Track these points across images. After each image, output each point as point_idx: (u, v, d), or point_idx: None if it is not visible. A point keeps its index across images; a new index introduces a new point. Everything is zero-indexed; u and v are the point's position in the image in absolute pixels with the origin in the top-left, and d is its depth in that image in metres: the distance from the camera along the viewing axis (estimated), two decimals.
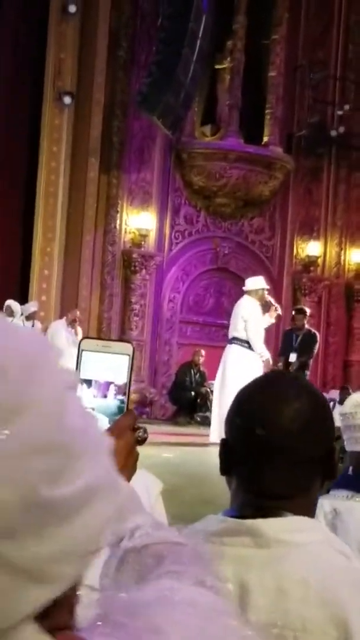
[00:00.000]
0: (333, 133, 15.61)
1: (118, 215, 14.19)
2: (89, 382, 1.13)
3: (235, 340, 9.19)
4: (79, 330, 11.83)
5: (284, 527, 1.20)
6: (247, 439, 1.25)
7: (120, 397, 1.13)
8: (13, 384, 0.56)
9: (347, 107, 15.67)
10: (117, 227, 14.22)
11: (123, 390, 1.13)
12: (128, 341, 1.27)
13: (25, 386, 0.56)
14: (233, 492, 1.28)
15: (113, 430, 1.06)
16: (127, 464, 1.08)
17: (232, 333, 9.29)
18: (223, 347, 9.82)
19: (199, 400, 12.97)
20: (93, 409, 1.09)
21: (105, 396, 1.13)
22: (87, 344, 1.13)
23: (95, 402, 1.12)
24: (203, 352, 13.37)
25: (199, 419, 12.43)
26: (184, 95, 12.62)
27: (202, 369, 13.19)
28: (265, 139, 15.18)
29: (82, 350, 1.12)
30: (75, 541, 0.58)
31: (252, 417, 1.25)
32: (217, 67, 15.12)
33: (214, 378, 9.94)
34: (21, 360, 0.58)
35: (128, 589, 0.82)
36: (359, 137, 15.74)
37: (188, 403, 12.71)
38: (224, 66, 15.05)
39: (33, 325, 11.81)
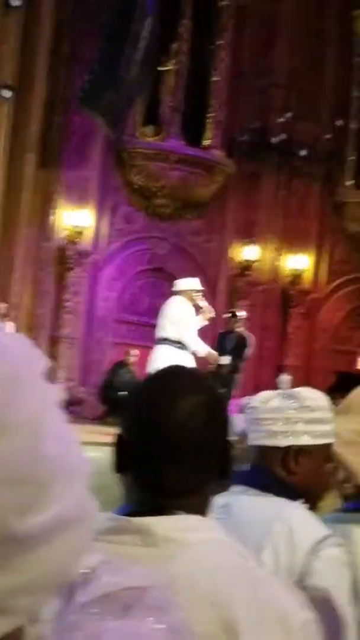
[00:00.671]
0: (274, 140, 15.76)
1: (54, 211, 14.07)
2: None
3: (164, 340, 9.16)
4: (10, 325, 11.68)
5: (174, 525, 1.18)
6: (143, 435, 1.23)
7: None
8: None
9: (289, 115, 15.83)
10: (53, 223, 14.10)
11: None
12: (9, 320, 1.22)
13: (1, 410, 0.53)
14: (126, 490, 1.26)
15: None
16: None
17: (160, 333, 9.26)
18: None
19: None
20: None
21: None
22: None
23: None
24: (135, 352, 13.33)
25: None
26: (126, 94, 12.61)
27: (132, 369, 13.16)
28: (206, 142, 15.25)
29: None
30: (41, 573, 0.55)
31: (149, 413, 1.23)
32: (161, 68, 15.13)
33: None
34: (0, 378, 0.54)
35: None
36: (299, 145, 15.90)
37: (118, 403, 12.63)
38: (168, 68, 15.07)
39: None
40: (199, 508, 1.22)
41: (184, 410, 1.21)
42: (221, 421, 1.26)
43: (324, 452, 1.93)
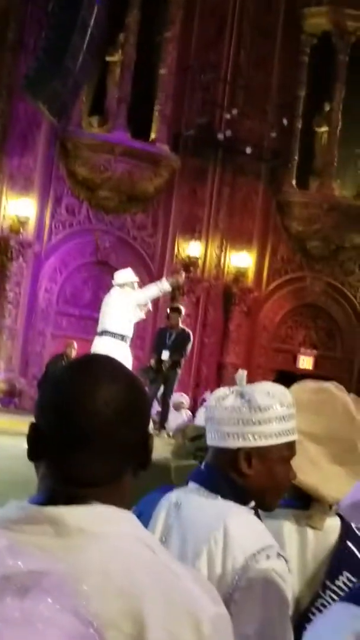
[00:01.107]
0: (220, 136, 15.79)
1: None
2: None
3: (105, 333, 9.12)
4: None
5: (87, 516, 1.14)
6: (57, 422, 1.18)
7: None
8: None
9: (235, 111, 15.88)
10: None
11: None
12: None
13: None
14: (40, 479, 1.21)
15: None
16: None
17: (102, 326, 9.22)
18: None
19: None
20: None
21: None
22: None
23: None
24: (75, 344, 13.22)
25: None
26: (72, 83, 12.47)
27: None
28: (152, 135, 15.21)
29: None
30: None
31: (65, 400, 1.18)
32: (108, 59, 15.03)
33: None
34: None
35: None
36: (244, 142, 15.95)
37: None
38: (115, 59, 15.00)
39: None
40: (115, 499, 1.18)
41: (100, 398, 1.17)
42: (138, 411, 1.21)
43: (280, 451, 1.88)
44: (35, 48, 13.04)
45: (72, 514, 1.13)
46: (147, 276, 15.01)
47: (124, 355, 9.10)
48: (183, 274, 9.85)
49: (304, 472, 2.04)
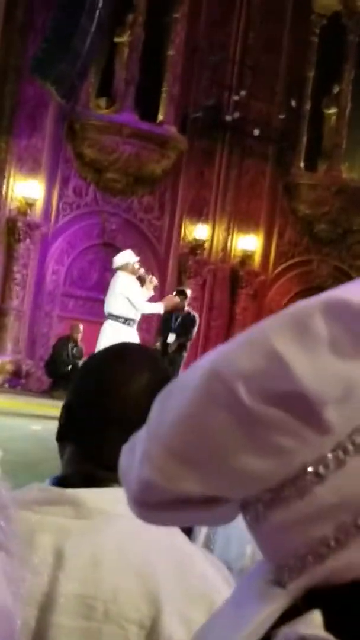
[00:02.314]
0: (228, 118, 15.73)
1: (5, 181, 13.86)
2: None
3: (110, 316, 9.15)
4: None
5: (107, 497, 1.18)
6: (92, 404, 1.23)
7: None
8: None
9: (243, 92, 15.80)
10: (3, 193, 13.89)
11: None
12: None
13: None
14: (66, 461, 1.25)
15: None
16: None
17: (107, 309, 9.25)
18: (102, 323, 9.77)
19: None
20: None
21: None
22: None
23: None
24: (81, 326, 13.26)
25: None
26: (80, 64, 12.41)
27: (79, 343, 13.09)
28: (160, 117, 15.15)
29: None
30: None
31: (101, 384, 1.23)
32: (116, 40, 14.96)
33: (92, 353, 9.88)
34: None
35: None
36: (253, 124, 15.88)
37: (64, 377, 12.58)
38: (123, 40, 14.91)
39: None
40: None
41: (134, 384, 1.22)
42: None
43: None
44: (43, 29, 12.97)
45: (92, 496, 1.17)
46: (154, 259, 15.04)
47: (130, 339, 9.13)
48: (176, 299, 9.77)
49: None
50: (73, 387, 1.30)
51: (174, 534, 1.21)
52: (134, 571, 1.12)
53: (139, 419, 1.16)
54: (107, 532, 1.15)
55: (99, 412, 1.22)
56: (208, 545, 1.87)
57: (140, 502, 0.77)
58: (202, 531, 1.89)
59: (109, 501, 1.18)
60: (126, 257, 9.49)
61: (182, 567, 1.16)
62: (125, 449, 0.74)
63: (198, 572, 1.16)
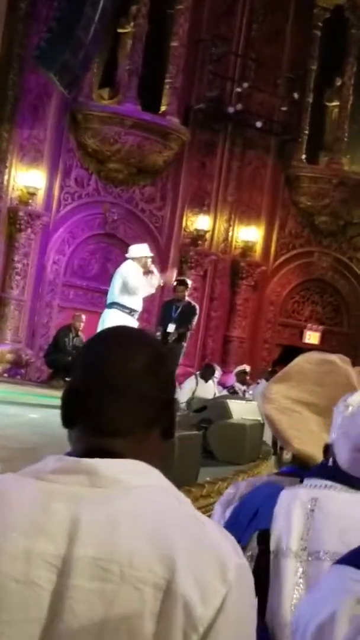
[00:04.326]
0: (230, 109, 15.76)
1: (7, 170, 13.89)
2: None
3: (114, 304, 9.17)
4: None
5: (121, 467, 1.23)
6: (91, 378, 1.29)
7: None
8: None
9: (246, 85, 15.83)
10: (5, 182, 13.92)
11: None
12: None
13: None
14: (74, 441, 1.30)
15: None
16: None
17: (110, 297, 9.27)
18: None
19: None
20: None
21: None
22: None
23: None
24: (83, 316, 13.30)
25: None
26: (84, 55, 12.42)
27: (80, 333, 13.13)
28: (162, 108, 15.16)
29: None
30: None
31: (98, 358, 1.29)
32: (119, 30, 14.96)
33: None
34: None
35: None
36: (255, 116, 15.91)
37: (64, 367, 12.61)
38: (126, 31, 14.92)
39: None
40: (144, 456, 1.27)
41: (129, 356, 1.28)
42: (163, 373, 1.31)
43: None
44: (47, 19, 12.98)
45: (106, 466, 1.22)
46: (155, 249, 15.06)
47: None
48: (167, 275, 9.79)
49: (303, 442, 2.11)
50: (74, 368, 1.34)
51: (183, 502, 1.26)
52: (149, 535, 1.17)
53: (134, 385, 1.26)
54: (122, 499, 1.20)
55: (98, 382, 1.27)
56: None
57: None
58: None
59: (124, 471, 1.23)
60: (142, 250, 9.51)
61: (195, 533, 1.20)
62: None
63: (209, 537, 1.21)
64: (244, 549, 1.78)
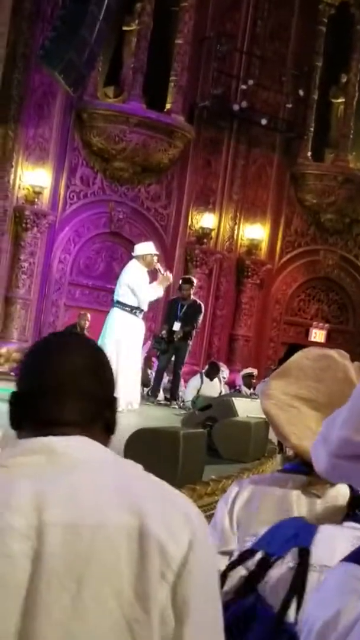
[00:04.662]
0: (235, 107, 15.74)
1: (12, 169, 13.91)
2: None
3: (118, 304, 9.18)
4: None
5: (73, 443, 1.31)
6: (34, 379, 1.38)
7: None
8: None
9: (251, 82, 15.82)
10: (11, 181, 13.94)
11: None
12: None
13: None
14: (25, 433, 1.37)
15: None
16: None
17: (115, 296, 9.29)
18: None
19: None
20: None
21: None
22: None
23: None
24: (89, 315, 13.32)
25: None
26: (88, 53, 12.41)
27: (86, 332, 13.15)
28: (167, 106, 15.16)
29: None
30: None
31: (41, 362, 1.39)
32: (124, 28, 14.96)
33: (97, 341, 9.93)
34: None
35: None
36: (260, 113, 15.90)
37: None
38: (131, 28, 14.92)
39: None
40: None
41: (67, 356, 1.38)
42: (101, 371, 1.42)
43: None
44: (52, 18, 13.00)
45: (60, 442, 1.31)
46: (161, 248, 15.08)
47: (137, 327, 9.18)
48: (169, 276, 9.71)
49: (300, 438, 2.11)
50: (18, 373, 1.44)
51: (139, 468, 1.35)
52: (113, 494, 1.25)
53: (74, 382, 1.36)
54: (83, 471, 1.27)
55: (41, 382, 1.36)
56: None
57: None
58: None
59: (75, 446, 1.31)
60: (147, 248, 9.50)
61: (156, 489, 1.30)
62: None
63: (169, 491, 1.31)
64: (280, 559, 1.89)
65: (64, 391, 1.35)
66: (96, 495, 1.24)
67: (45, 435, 1.32)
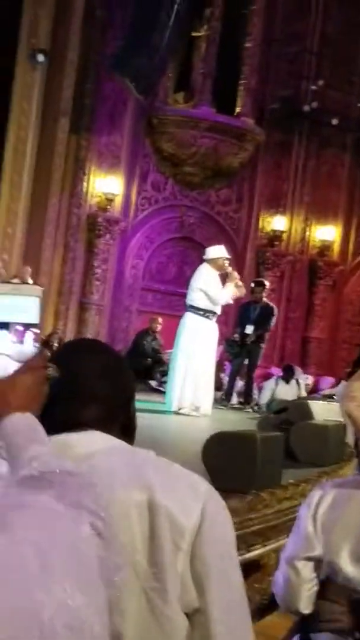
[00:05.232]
0: (305, 108, 15.64)
1: (85, 177, 14.13)
2: (5, 326, 1.22)
3: (190, 308, 9.20)
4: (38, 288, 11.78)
5: (88, 437, 1.41)
6: (56, 386, 1.46)
7: (36, 344, 1.22)
8: None
9: (321, 82, 15.69)
10: (84, 190, 14.16)
11: (39, 337, 1.22)
12: (38, 284, 1.40)
13: None
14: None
15: (24, 367, 1.19)
16: (35, 398, 1.35)
17: (187, 301, 9.30)
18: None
19: (155, 367, 13.00)
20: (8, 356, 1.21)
21: (22, 342, 1.22)
22: None
23: (13, 348, 1.22)
24: (160, 319, 13.39)
25: (154, 385, 12.46)
26: (158, 60, 12.56)
27: (158, 336, 13.23)
28: (237, 109, 15.16)
29: None
30: None
31: (64, 365, 1.47)
32: (194, 34, 15.02)
33: (171, 346, 9.98)
34: None
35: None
36: (331, 114, 15.76)
37: (144, 370, 12.74)
38: (200, 34, 14.97)
39: None
40: None
41: (91, 362, 1.49)
42: (123, 376, 1.51)
43: None
44: (122, 26, 13.16)
45: (73, 437, 1.41)
46: (232, 252, 15.08)
47: (210, 331, 9.18)
48: (237, 276, 9.63)
49: None
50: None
51: (151, 453, 1.42)
52: (124, 475, 1.32)
53: (91, 385, 1.45)
54: (94, 457, 1.36)
55: (64, 392, 1.44)
56: None
57: None
58: None
59: (88, 439, 1.40)
60: (218, 251, 9.46)
61: (166, 467, 1.38)
62: None
63: (179, 470, 1.38)
64: None
65: (79, 394, 1.45)
66: (108, 478, 1.31)
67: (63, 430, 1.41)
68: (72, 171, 13.99)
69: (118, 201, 14.46)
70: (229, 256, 9.74)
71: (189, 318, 9.17)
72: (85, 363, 1.48)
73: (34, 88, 13.52)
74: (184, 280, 13.30)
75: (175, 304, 14.12)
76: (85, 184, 14.14)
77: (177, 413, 8.71)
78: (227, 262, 9.43)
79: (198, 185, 15.30)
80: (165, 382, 10.04)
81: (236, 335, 11.48)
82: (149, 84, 12.80)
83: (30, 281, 11.75)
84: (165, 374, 10.19)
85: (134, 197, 14.82)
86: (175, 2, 12.36)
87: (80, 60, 13.73)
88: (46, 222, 13.74)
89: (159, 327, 13.23)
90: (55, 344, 12.48)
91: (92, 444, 1.39)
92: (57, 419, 1.43)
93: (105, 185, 14.24)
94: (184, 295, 9.60)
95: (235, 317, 12.52)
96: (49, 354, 1.47)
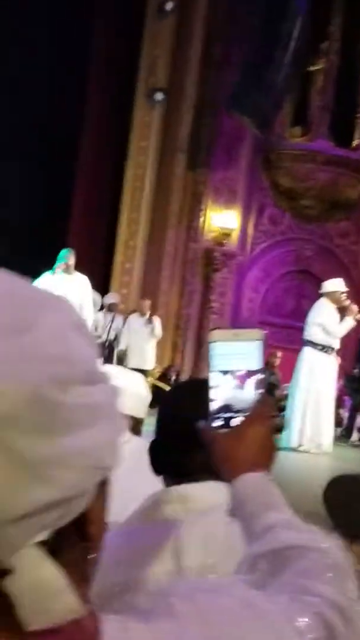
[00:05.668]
0: None
1: (202, 212, 14.26)
2: (225, 373, 1.18)
3: (308, 343, 9.10)
4: (118, 317, 11.95)
5: (205, 489, 1.43)
6: (167, 431, 1.51)
7: (259, 390, 1.16)
8: (23, 310, 0.65)
9: None
10: (201, 224, 14.29)
11: (262, 383, 1.17)
12: (258, 327, 1.37)
13: (34, 314, 0.65)
14: (165, 481, 1.53)
15: (251, 418, 1.12)
16: (266, 451, 1.14)
17: (305, 336, 9.21)
18: (300, 350, 9.71)
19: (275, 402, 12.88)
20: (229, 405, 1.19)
21: (241, 387, 1.17)
22: (217, 335, 1.19)
23: (234, 393, 1.17)
24: (279, 353, 13.28)
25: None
26: (275, 96, 12.59)
27: (277, 371, 13.11)
28: (355, 142, 14.98)
29: (213, 342, 1.17)
30: (77, 450, 0.64)
31: (170, 412, 1.52)
32: (310, 68, 14.99)
33: (289, 381, 9.87)
34: (32, 298, 0.67)
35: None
36: None
37: None
38: (317, 68, 14.92)
39: (113, 318, 11.91)
40: None
41: (196, 408, 1.36)
42: None
43: None
44: (239, 63, 13.28)
45: (192, 489, 1.44)
46: (350, 284, 14.81)
47: (329, 366, 9.04)
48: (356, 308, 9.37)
49: None
50: (157, 421, 1.56)
51: None
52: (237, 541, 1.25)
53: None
54: (212, 516, 1.37)
55: (176, 440, 1.47)
56: None
57: None
58: None
59: (206, 494, 1.42)
60: (335, 285, 9.37)
61: None
62: None
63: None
64: None
65: (188, 444, 1.39)
66: (228, 538, 1.31)
67: (178, 483, 1.44)
68: (189, 206, 14.17)
69: (235, 235, 14.51)
70: (346, 289, 9.59)
71: (307, 353, 9.08)
72: (195, 408, 1.43)
73: (152, 126, 13.81)
74: (301, 314, 13.13)
75: (293, 337, 13.92)
76: (202, 218, 14.27)
77: (296, 450, 8.58)
78: (344, 296, 9.29)
79: (315, 219, 15.16)
80: (283, 417, 9.91)
81: (356, 371, 11.26)
82: (266, 119, 12.84)
83: (148, 314, 11.91)
84: (283, 409, 10.11)
85: (251, 231, 14.83)
86: (291, 37, 12.39)
87: (198, 97, 13.94)
88: (164, 256, 13.93)
89: (277, 362, 13.13)
90: (173, 378, 12.58)
91: (208, 497, 1.40)
92: (172, 464, 1.47)
93: (222, 220, 14.32)
94: (301, 329, 9.49)
95: (355, 351, 12.26)
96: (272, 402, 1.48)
